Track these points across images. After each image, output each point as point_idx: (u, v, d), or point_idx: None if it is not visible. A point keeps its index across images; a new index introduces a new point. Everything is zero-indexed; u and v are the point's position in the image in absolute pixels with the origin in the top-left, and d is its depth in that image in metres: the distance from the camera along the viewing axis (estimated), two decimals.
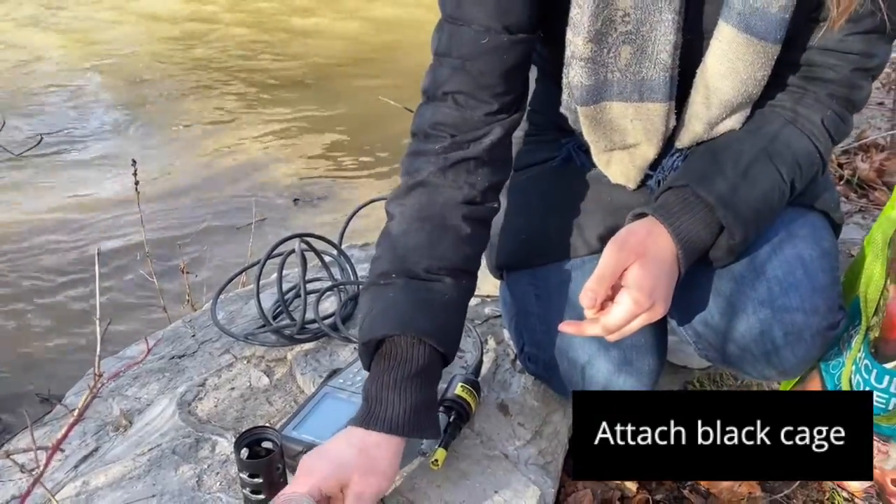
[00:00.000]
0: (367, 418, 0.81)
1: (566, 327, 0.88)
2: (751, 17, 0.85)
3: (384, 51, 4.72)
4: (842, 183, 2.06)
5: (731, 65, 0.88)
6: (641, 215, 0.89)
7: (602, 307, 0.83)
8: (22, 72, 4.56)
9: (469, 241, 0.89)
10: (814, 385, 1.11)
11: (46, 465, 0.65)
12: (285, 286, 1.25)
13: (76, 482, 0.94)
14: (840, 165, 2.13)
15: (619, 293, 0.83)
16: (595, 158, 1.01)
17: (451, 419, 0.94)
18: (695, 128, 0.94)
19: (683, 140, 0.97)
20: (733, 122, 0.93)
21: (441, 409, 0.94)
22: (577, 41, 0.87)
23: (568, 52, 0.90)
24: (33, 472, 0.70)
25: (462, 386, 0.98)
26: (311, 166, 3.39)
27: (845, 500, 1.10)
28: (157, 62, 4.79)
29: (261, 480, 0.83)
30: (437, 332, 0.85)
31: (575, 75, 0.90)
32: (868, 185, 2.04)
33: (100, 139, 3.69)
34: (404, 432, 0.81)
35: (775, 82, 0.92)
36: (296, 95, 4.22)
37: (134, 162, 1.54)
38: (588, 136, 0.97)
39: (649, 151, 0.97)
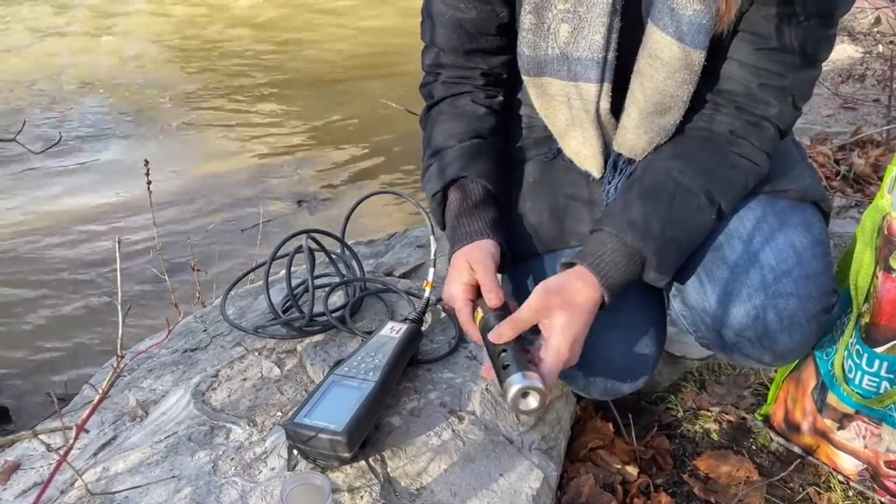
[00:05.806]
0: (459, 237, 1.01)
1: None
2: (668, 17, 0.87)
3: (388, 54, 4.77)
4: (838, 178, 2.09)
5: (651, 61, 0.91)
6: (572, 264, 0.94)
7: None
8: (35, 75, 4.61)
9: (485, 117, 1.08)
10: (808, 372, 1.14)
11: (76, 438, 0.68)
12: (293, 282, 1.27)
13: (96, 468, 0.98)
14: (836, 161, 2.17)
15: (545, 342, 0.89)
16: (557, 140, 1.06)
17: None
18: (630, 117, 0.97)
19: (623, 130, 0.99)
20: (665, 122, 0.95)
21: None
22: (523, 11, 0.95)
23: (519, 23, 0.96)
24: (60, 451, 0.74)
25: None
26: (315, 169, 3.43)
27: (840, 482, 1.13)
28: (164, 65, 4.84)
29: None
30: (483, 174, 1.04)
31: (520, 44, 0.97)
32: (864, 180, 2.07)
33: (106, 142, 3.74)
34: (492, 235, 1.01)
35: (703, 90, 0.94)
36: (300, 98, 4.26)
37: (146, 162, 1.57)
38: (540, 112, 1.03)
39: (589, 133, 1.00)
